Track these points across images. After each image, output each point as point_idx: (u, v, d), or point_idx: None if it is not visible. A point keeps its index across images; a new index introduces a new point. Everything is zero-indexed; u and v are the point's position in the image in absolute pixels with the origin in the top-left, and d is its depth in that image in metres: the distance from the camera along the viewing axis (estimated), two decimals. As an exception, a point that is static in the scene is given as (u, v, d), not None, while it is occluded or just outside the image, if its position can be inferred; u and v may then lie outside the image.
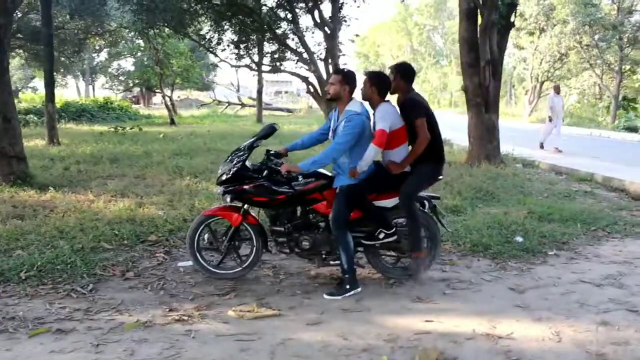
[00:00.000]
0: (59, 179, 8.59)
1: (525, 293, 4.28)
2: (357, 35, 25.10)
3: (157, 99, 48.41)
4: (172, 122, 24.15)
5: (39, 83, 45.52)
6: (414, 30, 64.44)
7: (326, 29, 18.55)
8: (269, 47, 21.47)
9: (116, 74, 44.14)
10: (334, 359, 3.18)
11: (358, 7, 31.13)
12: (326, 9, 19.00)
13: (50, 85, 13.93)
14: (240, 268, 4.43)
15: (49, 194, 7.24)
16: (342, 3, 19.06)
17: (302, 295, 4.19)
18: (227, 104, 36.71)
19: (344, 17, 19.61)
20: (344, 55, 20.83)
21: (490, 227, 5.91)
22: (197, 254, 4.41)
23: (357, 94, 4.34)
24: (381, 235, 4.26)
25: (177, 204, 6.89)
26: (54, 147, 13.01)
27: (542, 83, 31.43)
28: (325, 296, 4.12)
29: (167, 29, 19.82)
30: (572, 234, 5.93)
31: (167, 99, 26.88)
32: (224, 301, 4.06)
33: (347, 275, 4.16)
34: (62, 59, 26.83)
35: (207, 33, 20.67)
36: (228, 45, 20.80)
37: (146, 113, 32.23)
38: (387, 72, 4.51)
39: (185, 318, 3.69)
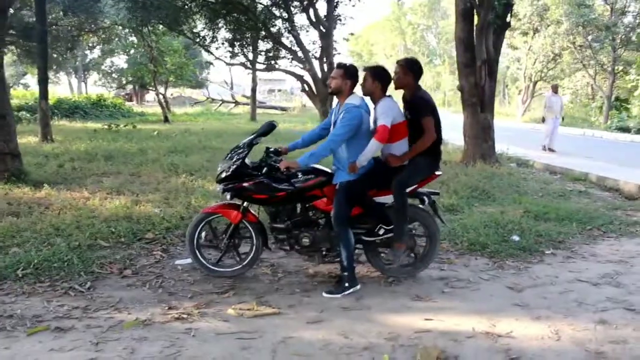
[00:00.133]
0: (54, 176, 8.55)
1: (523, 292, 4.30)
2: (351, 34, 25.09)
3: (150, 96, 48.19)
4: (166, 120, 24.06)
5: (31, 80, 45.27)
6: (408, 29, 64.47)
7: (321, 27, 18.53)
8: (263, 46, 21.42)
9: (109, 71, 43.88)
10: (335, 358, 3.18)
11: (353, 6, 31.15)
12: (321, 7, 19.01)
13: (43, 82, 13.85)
14: (240, 266, 4.42)
15: (44, 191, 7.20)
16: (337, 2, 19.06)
17: (301, 294, 4.19)
18: (220, 102, 36.59)
19: (339, 15, 19.62)
20: (339, 54, 20.80)
21: (487, 226, 5.93)
22: (197, 252, 4.40)
23: (358, 90, 4.35)
24: (381, 232, 4.27)
25: (174, 201, 6.87)
26: (47, 144, 12.94)
27: (536, 83, 31.58)
28: (325, 294, 4.12)
29: (161, 27, 19.73)
30: (568, 233, 5.96)
31: (161, 96, 26.76)
32: (223, 299, 4.05)
33: (346, 273, 4.16)
34: (55, 55, 26.62)
35: (201, 31, 20.59)
36: (222, 43, 20.73)
37: (139, 110, 32.11)
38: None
39: (185, 316, 3.67)
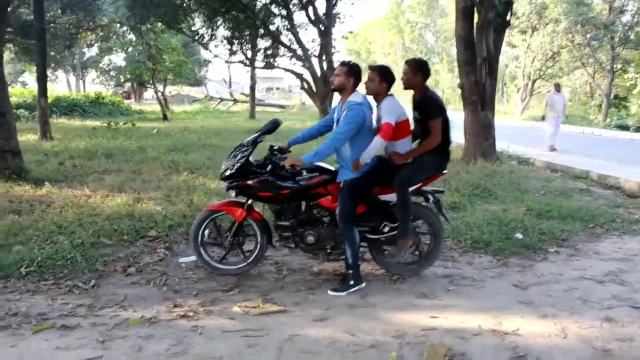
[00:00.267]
0: (54, 173, 8.51)
1: (528, 289, 4.30)
2: (350, 32, 25.07)
3: (148, 94, 48.06)
4: (165, 118, 24.00)
5: (29, 77, 45.12)
6: (406, 27, 64.48)
7: (320, 25, 18.53)
8: (262, 43, 21.41)
9: (107, 69, 43.75)
10: (342, 356, 3.17)
11: (352, 4, 31.09)
12: (320, 5, 18.98)
13: (42, 80, 13.79)
14: (244, 264, 4.41)
15: (45, 189, 7.17)
16: (336, 0, 19.06)
17: (306, 291, 4.18)
18: (219, 100, 36.55)
19: (338, 14, 19.63)
20: (337, 52, 20.83)
21: (490, 223, 5.92)
22: (201, 249, 4.39)
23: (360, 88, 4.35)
24: (386, 229, 4.27)
25: (175, 199, 6.84)
26: (47, 142, 12.88)
27: (534, 81, 31.58)
28: (330, 292, 4.11)
29: (160, 24, 19.68)
30: (571, 230, 5.97)
31: (160, 94, 26.70)
32: (228, 297, 4.04)
33: (351, 271, 4.16)
34: (53, 53, 26.55)
35: (200, 28, 20.56)
36: (221, 41, 20.74)
37: (138, 108, 32.01)
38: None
39: (191, 314, 3.66)
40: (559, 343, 3.35)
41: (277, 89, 66.74)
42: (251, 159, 4.28)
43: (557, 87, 14.69)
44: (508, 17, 10.71)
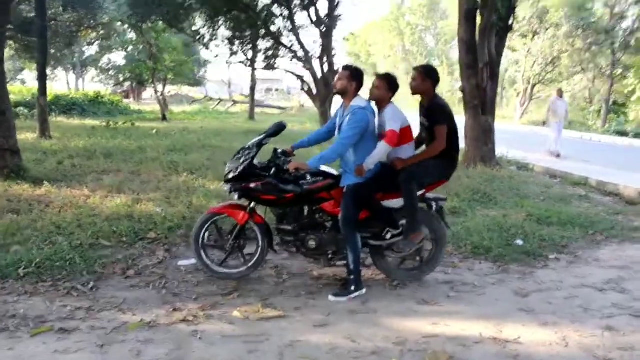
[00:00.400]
0: (53, 173, 8.48)
1: (529, 297, 4.28)
2: (352, 34, 25.07)
3: (146, 94, 48.03)
4: (164, 118, 23.96)
5: (28, 75, 45.01)
6: (406, 30, 64.44)
7: (322, 27, 18.51)
8: (263, 44, 21.38)
9: (107, 67, 43.71)
10: (343, 362, 3.16)
11: (354, 5, 31.10)
12: (322, 7, 18.99)
13: (42, 78, 13.75)
14: (245, 268, 4.38)
15: (44, 189, 7.13)
16: (338, 1, 19.04)
17: (307, 296, 4.16)
18: (218, 101, 36.54)
19: (339, 15, 19.60)
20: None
21: (490, 229, 5.90)
22: (202, 252, 4.36)
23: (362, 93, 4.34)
24: (388, 235, 4.25)
25: (175, 200, 6.81)
26: (45, 140, 12.85)
27: (534, 86, 31.62)
28: (331, 297, 4.09)
29: (161, 23, 19.65)
30: (571, 237, 5.95)
31: (159, 94, 26.66)
32: (228, 301, 4.01)
33: (352, 276, 4.14)
34: (53, 51, 26.49)
35: (201, 28, 20.54)
36: (222, 41, 20.70)
37: (137, 108, 31.98)
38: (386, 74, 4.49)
39: (190, 318, 3.64)
40: (561, 352, 3.34)
41: (277, 90, 66.75)
42: (255, 161, 4.26)
43: (560, 93, 14.62)
44: (510, 21, 10.71)
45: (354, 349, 3.31)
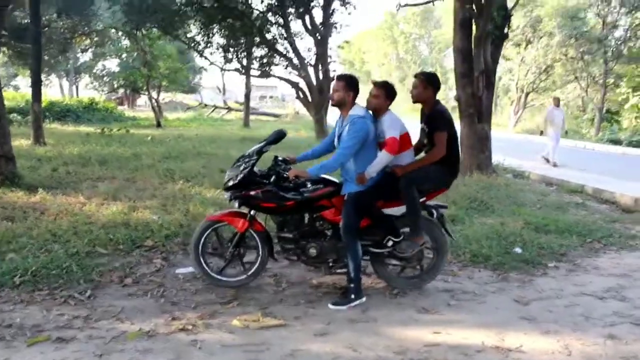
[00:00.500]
0: (48, 180, 8.42)
1: (529, 305, 4.26)
2: (346, 42, 25.15)
3: (141, 100, 47.90)
4: (159, 125, 23.92)
5: (22, 81, 44.82)
6: (400, 38, 64.78)
7: (317, 34, 18.57)
8: (258, 52, 21.42)
9: (101, 74, 43.58)
10: (345, 372, 3.12)
11: (349, 13, 31.27)
12: (317, 14, 19.04)
13: (36, 84, 13.68)
14: (245, 276, 4.34)
15: (39, 196, 7.07)
16: (333, 9, 19.12)
17: (306, 305, 4.12)
18: (213, 108, 36.51)
19: (335, 23, 19.68)
20: (334, 61, 20.88)
21: (488, 237, 5.88)
22: (201, 260, 4.31)
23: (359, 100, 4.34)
24: (389, 243, 4.23)
25: (171, 208, 6.77)
26: (40, 147, 12.77)
27: (527, 94, 31.80)
28: (330, 306, 4.06)
29: (156, 30, 19.65)
30: (569, 245, 5.94)
31: (154, 101, 26.60)
32: (227, 310, 3.97)
33: (352, 284, 4.11)
34: (47, 57, 26.42)
35: (196, 35, 20.56)
36: (217, 49, 20.72)
37: (131, 115, 31.92)
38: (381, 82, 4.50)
39: (189, 327, 3.59)
40: (564, 361, 3.32)
41: (271, 97, 66.79)
42: (255, 169, 4.23)
43: (557, 102, 14.53)
44: (506, 30, 10.75)
45: (355, 358, 3.28)
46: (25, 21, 18.61)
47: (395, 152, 4.07)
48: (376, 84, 4.29)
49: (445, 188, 4.47)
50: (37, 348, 3.25)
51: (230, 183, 4.19)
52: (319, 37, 18.85)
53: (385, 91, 4.24)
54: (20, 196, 7.05)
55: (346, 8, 19.15)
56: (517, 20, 27.61)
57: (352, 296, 4.09)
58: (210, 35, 20.18)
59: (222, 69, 21.75)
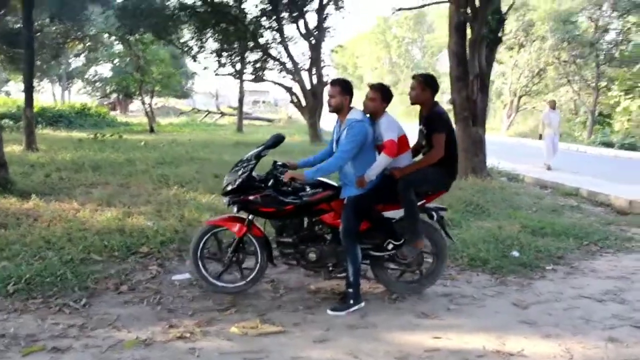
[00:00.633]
0: (41, 186, 8.33)
1: (528, 309, 4.24)
2: (340, 46, 25.19)
3: (133, 106, 47.67)
4: (152, 130, 23.82)
5: (13, 87, 44.52)
6: (393, 42, 64.95)
7: (311, 39, 18.58)
8: (252, 56, 21.40)
9: (93, 79, 43.38)
10: (345, 379, 3.08)
11: (343, 17, 31.36)
12: (311, 19, 19.05)
13: (29, 90, 13.59)
14: (243, 282, 4.30)
15: (32, 202, 6.99)
16: (327, 14, 19.15)
17: (305, 311, 4.08)
18: (206, 113, 36.41)
19: (328, 28, 19.71)
20: (328, 65, 20.91)
21: (485, 241, 5.87)
22: (199, 264, 4.27)
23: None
24: (389, 247, 4.20)
25: (166, 214, 6.71)
26: (32, 153, 12.66)
27: (520, 97, 31.91)
28: (329, 312, 4.02)
29: (149, 35, 19.60)
30: (566, 248, 5.94)
31: (147, 106, 26.48)
32: (225, 317, 3.93)
33: (351, 289, 4.08)
34: (39, 63, 26.28)
35: (189, 40, 20.52)
36: (211, 53, 20.69)
37: (124, 120, 31.77)
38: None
39: (187, 335, 3.54)
40: (566, 365, 3.30)
41: (264, 102, 66.69)
42: (254, 174, 4.19)
43: (553, 105, 14.49)
44: (500, 33, 10.78)
45: (356, 364, 3.24)
46: (18, 26, 18.47)
47: (394, 154, 4.05)
48: (372, 87, 4.28)
49: (444, 190, 4.45)
50: (31, 358, 3.20)
51: (229, 188, 4.15)
52: (313, 42, 18.86)
53: (382, 94, 4.23)
54: (13, 203, 6.97)
55: (339, 11, 19.18)
56: (510, 24, 27.71)
57: (351, 301, 4.05)
58: (204, 39, 20.16)
59: (215, 74, 21.70)
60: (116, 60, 32.62)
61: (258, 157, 4.16)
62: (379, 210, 4.20)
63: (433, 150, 4.16)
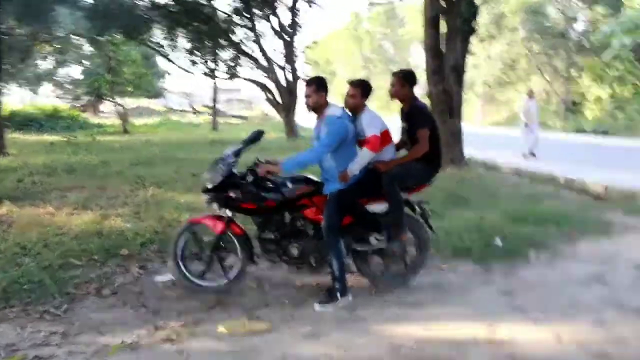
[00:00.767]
0: (13, 191, 8.08)
1: (516, 295, 4.26)
2: (315, 43, 25.13)
3: (105, 107, 46.84)
4: (125, 131, 23.44)
5: (-21, 91, 43.29)
6: (366, 37, 65.07)
7: (285, 36, 18.48)
8: (225, 54, 21.18)
9: (63, 82, 42.46)
10: (339, 373, 3.04)
11: (317, 14, 31.32)
12: (283, 16, 18.94)
13: (-3, 93, 13.22)
14: (226, 281, 4.21)
15: (5, 208, 6.79)
16: (298, 9, 19.05)
17: (292, 307, 4.03)
18: (180, 111, 36.03)
19: (299, 24, 19.61)
20: (304, 62, 20.90)
21: (468, 230, 5.86)
22: (180, 264, 4.18)
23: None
24: (373, 241, 4.17)
25: (145, 215, 6.56)
26: (2, 157, 12.33)
27: (491, 88, 32.30)
28: (316, 307, 3.97)
29: (120, 36, 19.26)
30: (547, 234, 5.99)
31: (120, 107, 26.05)
32: (211, 316, 3.85)
33: (337, 283, 4.03)
34: (6, 66, 25.59)
35: (161, 40, 20.22)
36: (185, 54, 20.43)
37: (96, 122, 31.20)
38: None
39: (174, 337, 3.46)
40: (557, 349, 3.31)
41: (238, 100, 66.21)
42: (235, 170, 4.11)
43: (531, 94, 14.56)
44: (473, 24, 10.84)
45: (347, 358, 3.20)
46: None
47: (377, 149, 4.06)
48: (352, 84, 4.28)
49: (427, 184, 4.46)
50: (12, 367, 3.08)
51: (209, 185, 4.07)
52: (288, 38, 18.76)
53: (362, 89, 4.24)
54: (-16, 209, 6.75)
55: (310, 6, 19.10)
56: (482, 17, 28.03)
57: (338, 295, 4.01)
58: (176, 39, 19.89)
59: (187, 71, 21.42)
60: (87, 62, 31.98)
61: (238, 153, 4.08)
62: (362, 204, 4.17)
63: (417, 145, 4.17)
